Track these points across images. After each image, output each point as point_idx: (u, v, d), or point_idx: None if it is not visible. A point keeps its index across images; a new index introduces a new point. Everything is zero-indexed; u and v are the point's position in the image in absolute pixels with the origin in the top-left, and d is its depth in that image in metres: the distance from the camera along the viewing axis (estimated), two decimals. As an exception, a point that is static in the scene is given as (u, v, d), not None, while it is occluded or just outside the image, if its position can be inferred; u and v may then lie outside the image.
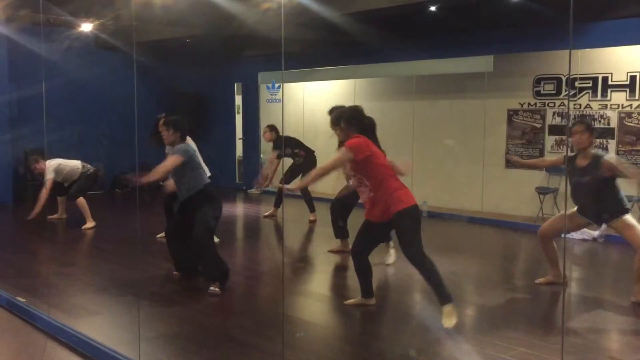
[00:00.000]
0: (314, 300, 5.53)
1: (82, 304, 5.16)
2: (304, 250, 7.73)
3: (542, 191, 8.67)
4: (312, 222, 8.74)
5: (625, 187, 5.38)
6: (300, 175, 8.69)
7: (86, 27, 9.97)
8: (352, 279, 6.28)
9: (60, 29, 10.21)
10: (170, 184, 5.92)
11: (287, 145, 8.89)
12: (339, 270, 6.53)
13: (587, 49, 8.30)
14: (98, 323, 4.75)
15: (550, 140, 8.91)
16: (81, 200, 8.35)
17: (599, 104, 8.41)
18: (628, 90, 8.16)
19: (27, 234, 8.34)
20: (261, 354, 4.15)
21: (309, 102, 11.72)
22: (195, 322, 4.98)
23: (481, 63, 9.16)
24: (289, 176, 8.54)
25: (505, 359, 3.99)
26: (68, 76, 10.38)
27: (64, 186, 8.54)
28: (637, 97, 8.08)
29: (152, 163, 5.56)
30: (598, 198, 5.15)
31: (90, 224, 8.33)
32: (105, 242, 7.77)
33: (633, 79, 8.10)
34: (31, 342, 4.55)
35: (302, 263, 6.93)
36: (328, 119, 5.08)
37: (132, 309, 4.82)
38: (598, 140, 8.38)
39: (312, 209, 8.82)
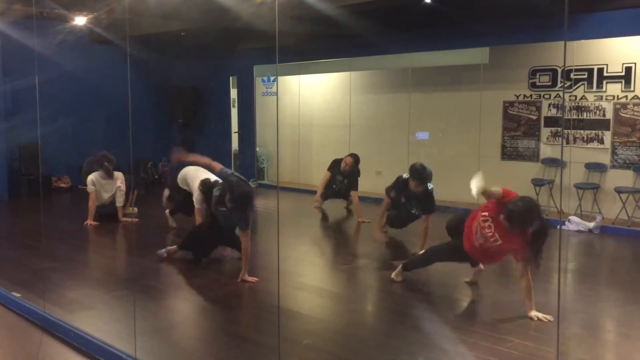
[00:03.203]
0: (312, 294, 5.53)
1: (78, 299, 5.14)
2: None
3: (537, 183, 8.67)
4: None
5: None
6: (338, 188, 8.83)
7: (80, 20, 9.93)
8: (355, 275, 6.27)
9: (53, 23, 10.16)
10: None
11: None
12: (342, 264, 6.52)
13: (583, 40, 8.28)
14: (94, 318, 4.74)
15: (545, 132, 8.90)
16: None
17: (595, 96, 8.41)
18: (623, 81, 8.15)
19: (23, 229, 8.31)
20: (257, 347, 4.15)
21: (304, 95, 11.67)
22: (191, 316, 4.99)
23: (476, 55, 9.14)
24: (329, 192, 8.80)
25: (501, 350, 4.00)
26: (62, 70, 10.34)
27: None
28: (632, 89, 8.08)
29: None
30: None
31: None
32: (100, 236, 7.75)
33: (628, 70, 8.09)
34: (27, 338, 4.54)
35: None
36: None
37: (127, 303, 4.80)
38: (594, 131, 8.40)
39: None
